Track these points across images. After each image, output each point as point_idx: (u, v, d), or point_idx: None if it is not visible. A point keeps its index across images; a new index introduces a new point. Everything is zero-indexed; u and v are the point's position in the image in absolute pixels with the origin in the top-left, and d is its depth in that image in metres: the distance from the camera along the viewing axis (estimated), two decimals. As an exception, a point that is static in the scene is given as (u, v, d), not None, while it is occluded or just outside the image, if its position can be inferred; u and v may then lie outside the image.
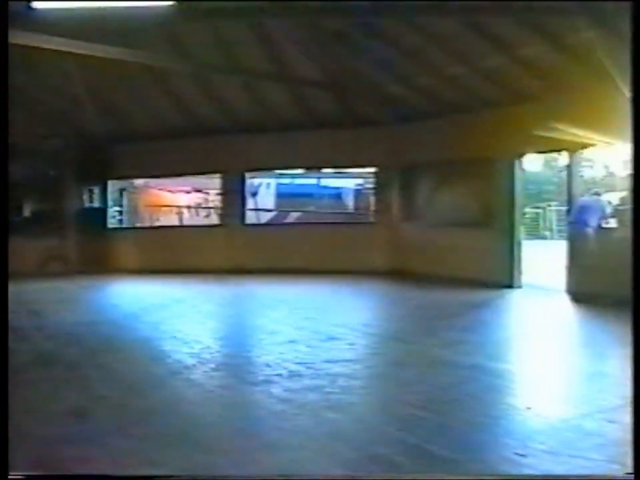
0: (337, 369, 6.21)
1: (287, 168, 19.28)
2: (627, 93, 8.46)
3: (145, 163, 15.95)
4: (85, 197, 16.28)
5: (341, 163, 16.48)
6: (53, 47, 9.72)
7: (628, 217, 10.11)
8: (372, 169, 16.01)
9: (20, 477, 3.13)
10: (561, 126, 9.97)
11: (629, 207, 10.22)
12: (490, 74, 11.39)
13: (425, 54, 11.66)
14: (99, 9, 8.98)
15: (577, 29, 9.17)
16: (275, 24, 12.21)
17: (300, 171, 21.00)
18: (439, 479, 3.76)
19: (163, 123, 15.46)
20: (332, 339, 7.75)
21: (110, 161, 16.10)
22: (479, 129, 12.08)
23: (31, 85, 13.35)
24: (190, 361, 6.62)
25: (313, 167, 18.58)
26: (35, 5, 7.79)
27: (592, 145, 10.77)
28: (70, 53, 10.42)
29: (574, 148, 10.96)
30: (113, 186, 17.58)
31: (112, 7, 9.09)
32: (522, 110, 11.27)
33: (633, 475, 2.72)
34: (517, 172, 12.07)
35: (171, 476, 3.74)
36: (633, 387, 2.84)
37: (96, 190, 16.48)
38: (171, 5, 8.79)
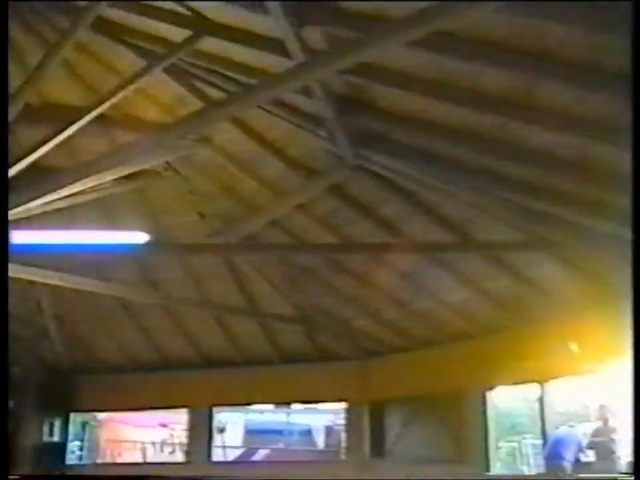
0: None
1: (255, 403, 18.86)
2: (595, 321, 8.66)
3: (110, 396, 15.47)
4: (45, 429, 15.59)
5: (310, 398, 16.21)
6: (25, 277, 9.81)
7: (605, 449, 9.90)
8: (342, 404, 15.74)
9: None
10: (529, 357, 10.05)
11: (604, 438, 10.04)
12: (456, 307, 11.55)
13: (391, 289, 11.93)
14: (74, 243, 9.26)
15: (537, 262, 9.50)
16: (245, 259, 12.56)
17: (269, 406, 20.65)
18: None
19: (130, 355, 15.31)
20: None
21: (73, 392, 15.65)
22: (448, 363, 12.00)
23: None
24: None
25: (282, 402, 18.28)
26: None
27: (562, 375, 10.79)
28: (41, 282, 10.54)
29: (544, 379, 10.94)
30: (75, 418, 16.98)
31: (87, 242, 9.40)
32: (490, 342, 11.34)
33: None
34: (489, 405, 11.90)
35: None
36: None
37: (57, 422, 15.84)
38: (146, 242, 9.13)
